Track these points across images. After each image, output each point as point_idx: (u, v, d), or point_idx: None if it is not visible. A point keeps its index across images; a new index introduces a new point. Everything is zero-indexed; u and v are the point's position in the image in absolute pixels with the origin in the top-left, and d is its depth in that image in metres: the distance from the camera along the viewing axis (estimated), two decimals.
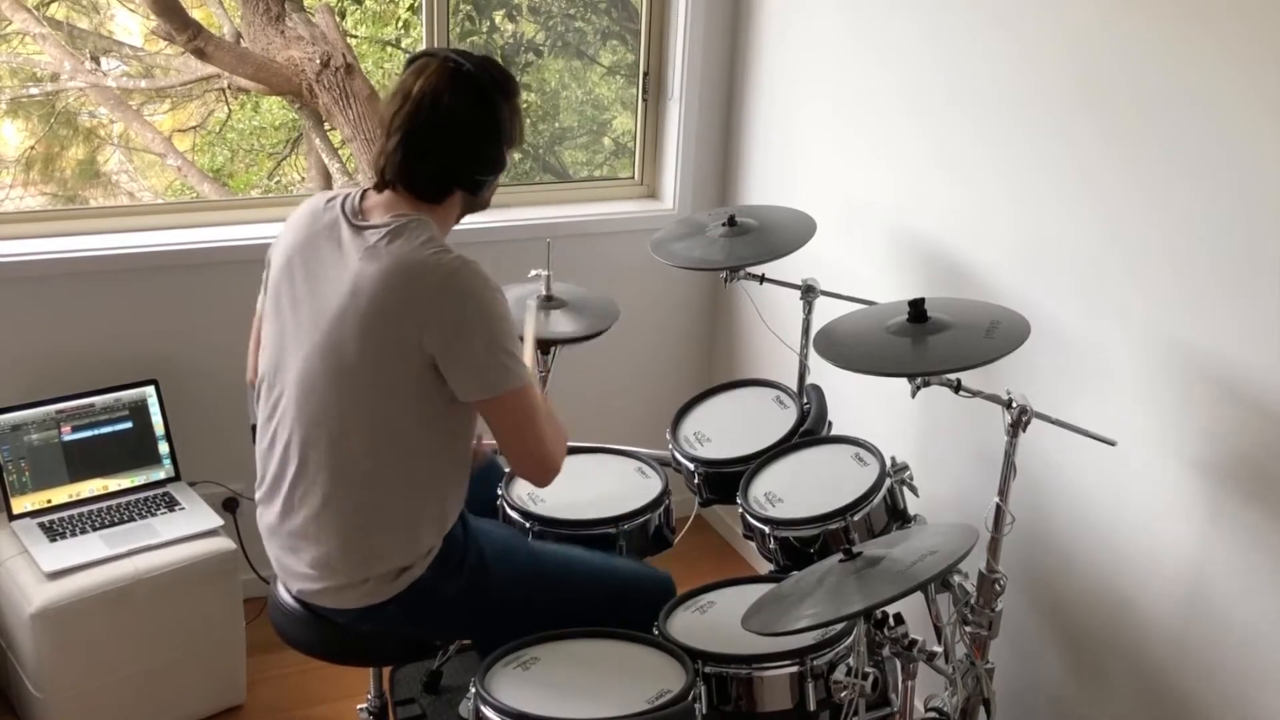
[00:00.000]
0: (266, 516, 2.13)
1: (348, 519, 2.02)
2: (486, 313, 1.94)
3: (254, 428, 2.16)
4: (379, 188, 2.04)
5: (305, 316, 2.00)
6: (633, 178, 3.71)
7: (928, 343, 2.17)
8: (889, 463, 2.44)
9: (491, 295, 1.95)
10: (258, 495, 2.15)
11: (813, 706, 2.05)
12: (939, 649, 2.26)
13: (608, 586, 2.27)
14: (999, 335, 2.15)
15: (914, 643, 2.14)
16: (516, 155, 3.95)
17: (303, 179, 5.25)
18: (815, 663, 2.05)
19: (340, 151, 4.58)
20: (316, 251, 2.03)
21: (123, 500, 2.86)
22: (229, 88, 4.76)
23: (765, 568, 2.59)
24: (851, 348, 2.24)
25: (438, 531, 2.08)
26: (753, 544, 2.48)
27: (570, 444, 2.74)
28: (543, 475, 2.09)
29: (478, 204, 2.12)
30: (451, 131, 1.98)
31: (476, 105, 1.99)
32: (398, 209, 2.00)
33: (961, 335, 2.17)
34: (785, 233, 2.80)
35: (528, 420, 2.01)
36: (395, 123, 1.98)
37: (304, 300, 2.01)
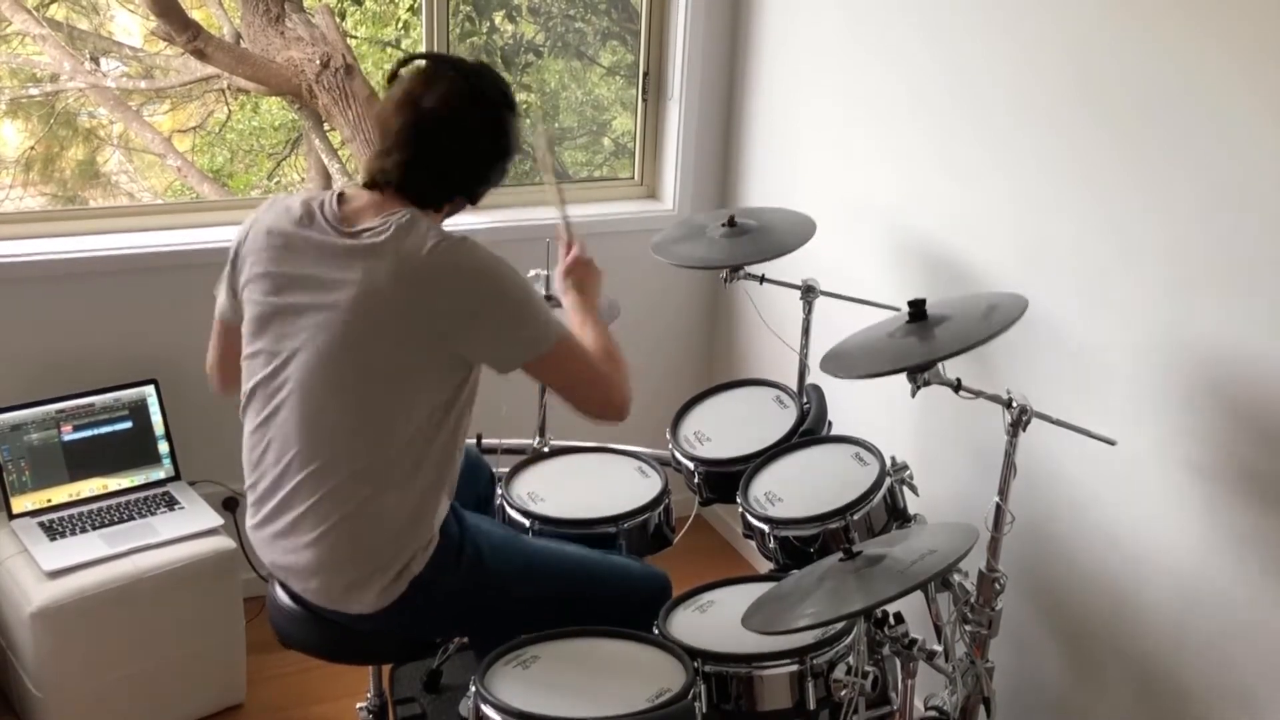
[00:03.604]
0: (263, 523, 2.10)
1: (348, 517, 2.01)
2: (499, 284, 1.95)
3: None
4: (370, 186, 2.02)
5: (307, 324, 1.97)
6: (633, 178, 3.71)
7: (932, 335, 2.18)
8: (889, 462, 2.44)
9: (497, 265, 1.96)
10: (250, 501, 2.12)
11: (813, 705, 2.05)
12: (939, 648, 2.26)
13: (604, 585, 2.27)
14: (996, 316, 2.15)
15: (914, 641, 2.15)
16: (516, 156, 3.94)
17: (302, 179, 5.25)
18: (815, 661, 2.05)
19: (340, 152, 4.58)
20: (305, 260, 1.99)
21: (123, 500, 2.86)
22: (229, 88, 4.77)
23: (765, 567, 2.60)
24: (857, 358, 2.25)
25: (433, 523, 2.07)
26: (753, 544, 2.48)
27: (570, 444, 2.76)
28: (613, 415, 2.09)
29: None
30: (468, 153, 2.01)
31: (492, 127, 2.02)
32: (388, 208, 1.99)
33: (960, 323, 2.18)
34: (785, 233, 2.80)
35: (581, 366, 2.04)
36: (404, 135, 1.98)
37: (304, 309, 1.98)
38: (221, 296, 2.15)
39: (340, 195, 2.04)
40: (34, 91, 4.63)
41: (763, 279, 2.84)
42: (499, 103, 2.02)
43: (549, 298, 2.70)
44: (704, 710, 2.01)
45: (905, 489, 2.46)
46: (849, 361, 2.25)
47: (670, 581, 2.35)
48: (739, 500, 2.48)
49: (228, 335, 2.16)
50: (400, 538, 2.03)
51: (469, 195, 2.07)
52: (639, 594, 2.29)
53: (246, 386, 2.08)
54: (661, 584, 2.34)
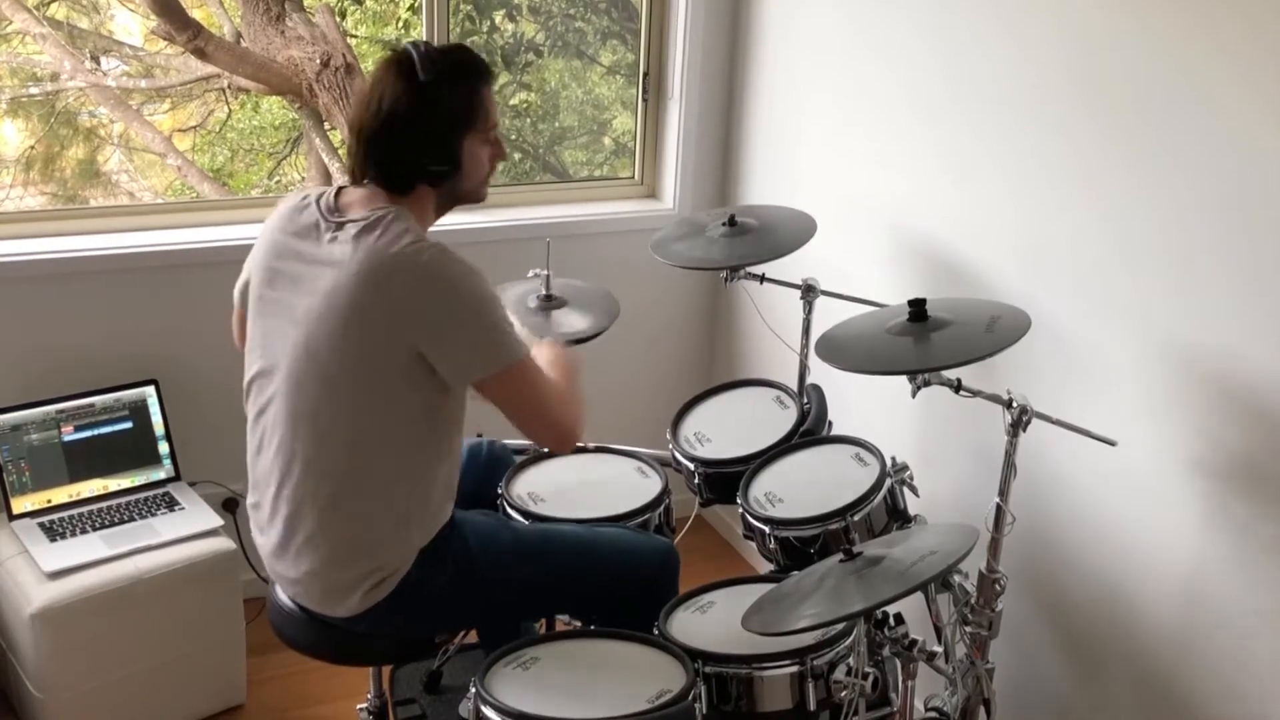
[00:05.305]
0: (258, 520, 2.12)
1: (335, 519, 2.01)
2: (469, 295, 1.93)
3: None
4: (354, 182, 2.05)
5: (288, 318, 1.99)
6: (633, 178, 3.71)
7: (929, 339, 2.17)
8: (889, 463, 2.44)
9: (471, 277, 1.94)
10: (249, 501, 2.14)
11: (813, 706, 2.05)
12: (939, 649, 2.26)
13: (602, 562, 2.26)
14: (999, 330, 2.15)
15: (914, 643, 2.14)
16: (516, 155, 3.93)
17: (303, 179, 5.25)
18: (815, 663, 2.05)
19: (340, 151, 4.58)
20: (297, 252, 2.02)
21: (123, 500, 2.86)
22: (229, 87, 4.77)
23: (765, 568, 2.59)
24: (853, 350, 2.24)
25: (427, 531, 2.07)
26: (753, 544, 2.48)
27: None
28: (563, 441, 2.08)
29: (461, 195, 2.08)
30: (393, 128, 1.97)
31: (415, 98, 1.97)
32: (375, 202, 2.00)
33: (962, 331, 2.17)
34: (785, 232, 2.80)
35: (533, 390, 2.00)
36: (353, 124, 2.02)
37: (287, 302, 2.00)
38: (239, 285, 2.19)
39: (340, 190, 2.06)
40: (34, 91, 4.63)
41: (763, 279, 2.83)
42: (431, 78, 1.96)
43: (550, 297, 2.70)
44: (704, 711, 2.01)
45: (905, 489, 2.46)
46: (845, 353, 2.24)
47: (676, 551, 2.33)
48: (739, 501, 2.48)
49: (244, 322, 2.18)
50: (383, 543, 2.03)
51: (427, 179, 2.01)
52: (641, 569, 2.28)
53: (245, 380, 2.10)
54: (663, 556, 2.31)
